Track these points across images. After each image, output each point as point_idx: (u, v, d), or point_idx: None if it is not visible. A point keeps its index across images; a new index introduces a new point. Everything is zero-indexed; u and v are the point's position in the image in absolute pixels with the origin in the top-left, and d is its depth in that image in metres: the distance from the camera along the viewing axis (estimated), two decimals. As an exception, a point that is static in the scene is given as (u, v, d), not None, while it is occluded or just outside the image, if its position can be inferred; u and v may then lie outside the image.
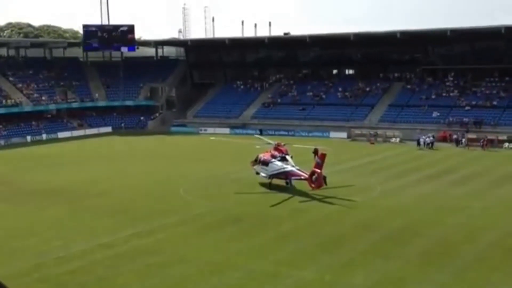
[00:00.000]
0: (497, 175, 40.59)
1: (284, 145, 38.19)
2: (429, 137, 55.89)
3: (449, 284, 20.08)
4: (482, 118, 59.83)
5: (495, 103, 62.37)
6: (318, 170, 32.80)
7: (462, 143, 56.01)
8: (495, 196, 33.92)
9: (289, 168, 35.43)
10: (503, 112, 60.55)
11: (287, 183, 36.13)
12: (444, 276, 20.72)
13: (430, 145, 54.95)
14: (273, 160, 36.26)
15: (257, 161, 37.74)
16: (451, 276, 20.80)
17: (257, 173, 37.78)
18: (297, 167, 35.52)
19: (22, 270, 21.83)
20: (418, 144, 55.30)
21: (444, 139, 57.31)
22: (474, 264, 21.98)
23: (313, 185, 33.35)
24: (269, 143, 39.52)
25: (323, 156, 33.28)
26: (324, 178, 33.01)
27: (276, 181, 36.44)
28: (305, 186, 35.46)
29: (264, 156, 37.29)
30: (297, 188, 35.39)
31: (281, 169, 35.61)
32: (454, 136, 57.40)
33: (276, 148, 37.36)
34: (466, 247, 24.01)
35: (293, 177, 35.15)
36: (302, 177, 34.41)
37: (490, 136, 56.36)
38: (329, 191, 34.19)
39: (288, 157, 36.35)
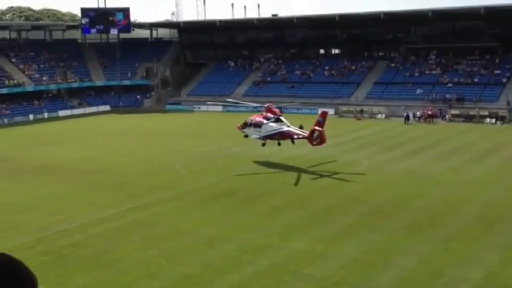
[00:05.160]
0: (479, 149, 40.13)
1: (275, 107, 37.17)
2: (410, 112, 55.79)
3: (434, 254, 19.71)
4: (464, 94, 59.39)
5: (476, 80, 61.73)
6: (320, 128, 32.21)
7: (446, 118, 55.62)
8: (477, 169, 33.49)
9: (285, 128, 34.64)
10: (484, 88, 59.98)
11: (279, 143, 35.55)
12: (429, 247, 20.39)
13: (417, 119, 54.99)
14: (266, 121, 35.27)
15: (246, 125, 36.75)
16: (436, 246, 20.46)
17: (246, 136, 37.01)
18: (294, 127, 34.73)
19: (26, 244, 21.40)
20: (407, 119, 54.87)
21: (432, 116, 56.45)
22: (458, 235, 21.66)
23: (314, 143, 32.68)
24: (257, 108, 38.45)
25: (324, 115, 32.68)
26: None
27: (271, 157, 35.89)
28: (297, 162, 35.14)
29: (255, 118, 36.26)
30: (289, 164, 34.99)
31: (276, 129, 34.70)
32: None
33: (269, 110, 36.08)
34: (450, 219, 23.66)
35: (294, 136, 34.13)
36: (301, 136, 33.66)
37: (472, 112, 55.92)
38: (319, 166, 33.89)
39: (282, 118, 35.39)
